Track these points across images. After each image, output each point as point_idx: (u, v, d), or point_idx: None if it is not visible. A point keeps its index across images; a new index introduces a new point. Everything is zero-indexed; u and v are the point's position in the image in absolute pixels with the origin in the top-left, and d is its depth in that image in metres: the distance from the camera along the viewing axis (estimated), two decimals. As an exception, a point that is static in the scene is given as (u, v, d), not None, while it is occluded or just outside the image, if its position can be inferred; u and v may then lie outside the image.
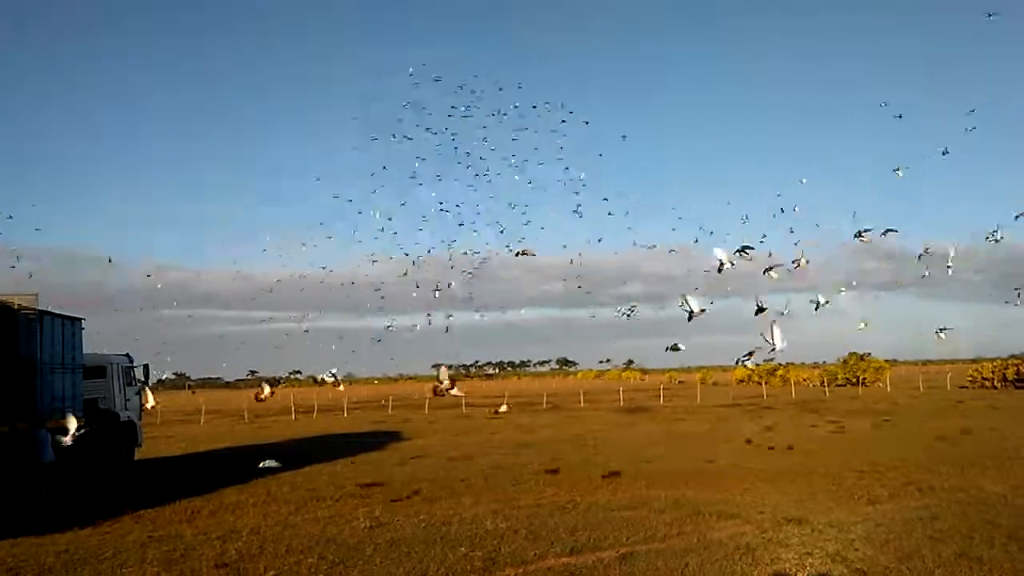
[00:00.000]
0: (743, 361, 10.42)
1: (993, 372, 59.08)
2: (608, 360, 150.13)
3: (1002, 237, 12.57)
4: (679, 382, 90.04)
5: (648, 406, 46.29)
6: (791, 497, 12.96)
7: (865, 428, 26.64)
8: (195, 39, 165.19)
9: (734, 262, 10.66)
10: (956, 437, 22.37)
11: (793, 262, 12.05)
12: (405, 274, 17.90)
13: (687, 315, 9.89)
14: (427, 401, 52.81)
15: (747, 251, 10.79)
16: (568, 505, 12.86)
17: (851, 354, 70.09)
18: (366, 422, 39.38)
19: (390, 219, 17.75)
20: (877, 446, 20.66)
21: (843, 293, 10.36)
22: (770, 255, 11.54)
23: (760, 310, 10.70)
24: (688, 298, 9.64)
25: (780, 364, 79.00)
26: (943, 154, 17.01)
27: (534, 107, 16.48)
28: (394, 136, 16.36)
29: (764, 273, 11.37)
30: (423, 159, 16.71)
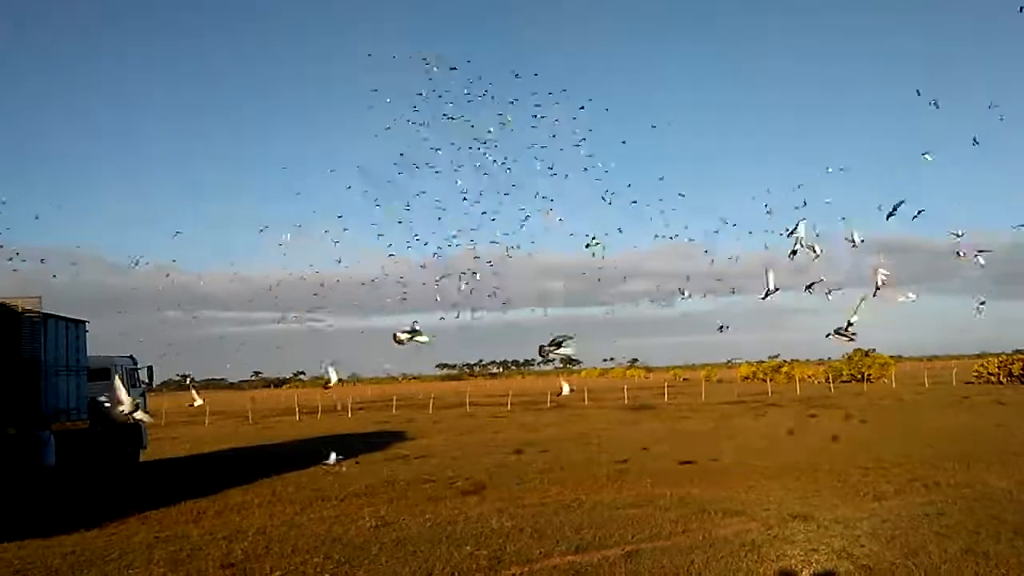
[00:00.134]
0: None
1: (999, 367, 58.91)
2: (612, 358, 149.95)
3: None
4: (683, 380, 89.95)
5: (653, 404, 46.27)
6: (796, 494, 12.95)
7: (869, 424, 26.59)
8: (195, 39, 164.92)
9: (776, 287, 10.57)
10: (961, 433, 22.33)
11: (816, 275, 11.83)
12: (423, 267, 17.61)
13: (764, 293, 9.76)
14: (431, 401, 52.85)
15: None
16: (573, 503, 12.85)
17: (856, 350, 69.93)
18: (370, 422, 39.41)
19: (408, 208, 17.30)
20: (882, 443, 20.61)
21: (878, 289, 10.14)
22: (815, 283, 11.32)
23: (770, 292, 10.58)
24: (770, 274, 9.51)
25: (784, 361, 78.94)
26: (974, 143, 16.81)
27: (550, 93, 16.18)
28: (409, 120, 16.06)
29: (806, 290, 11.26)
30: (437, 149, 16.39)
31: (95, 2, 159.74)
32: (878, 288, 10.06)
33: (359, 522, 11.79)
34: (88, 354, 18.72)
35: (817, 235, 11.01)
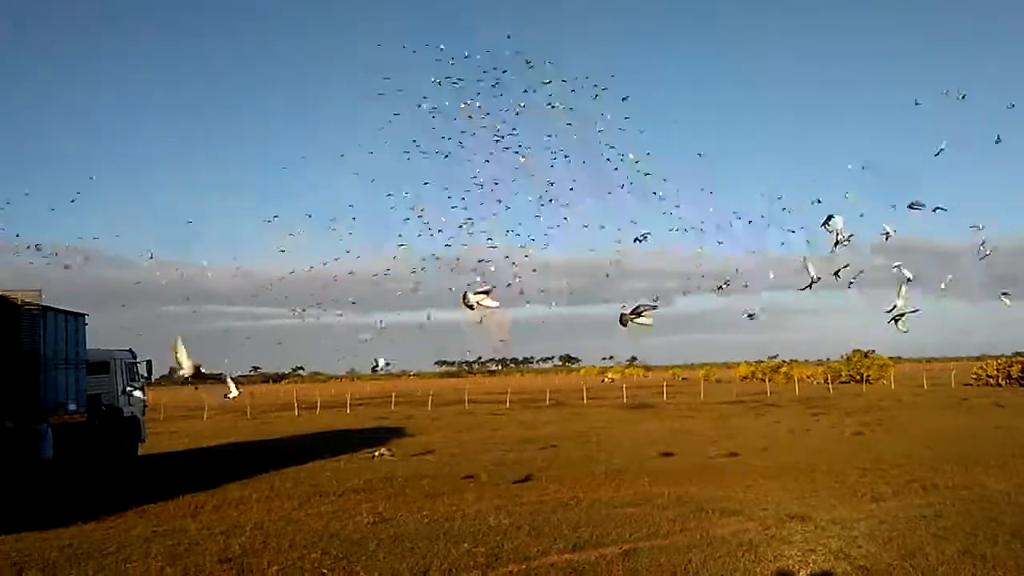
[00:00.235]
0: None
1: (998, 369, 58.93)
2: (611, 357, 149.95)
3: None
4: (682, 379, 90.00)
5: (651, 403, 46.30)
6: (794, 494, 12.95)
7: (867, 426, 26.61)
8: (195, 39, 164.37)
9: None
10: (960, 434, 22.34)
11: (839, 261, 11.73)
12: (438, 257, 17.33)
13: (809, 283, 9.70)
14: (430, 398, 52.87)
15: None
16: (571, 501, 12.85)
17: (855, 351, 70.01)
18: (369, 418, 39.45)
19: (423, 210, 16.99)
20: (880, 444, 20.63)
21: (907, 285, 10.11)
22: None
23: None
24: (809, 263, 9.46)
25: (784, 361, 78.97)
26: (996, 142, 16.64)
27: (564, 81, 15.87)
28: (420, 105, 15.77)
29: (835, 275, 11.20)
30: (448, 138, 16.09)
31: (95, 2, 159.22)
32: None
33: (357, 518, 11.79)
34: (88, 347, 18.72)
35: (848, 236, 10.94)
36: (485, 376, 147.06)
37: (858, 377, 66.30)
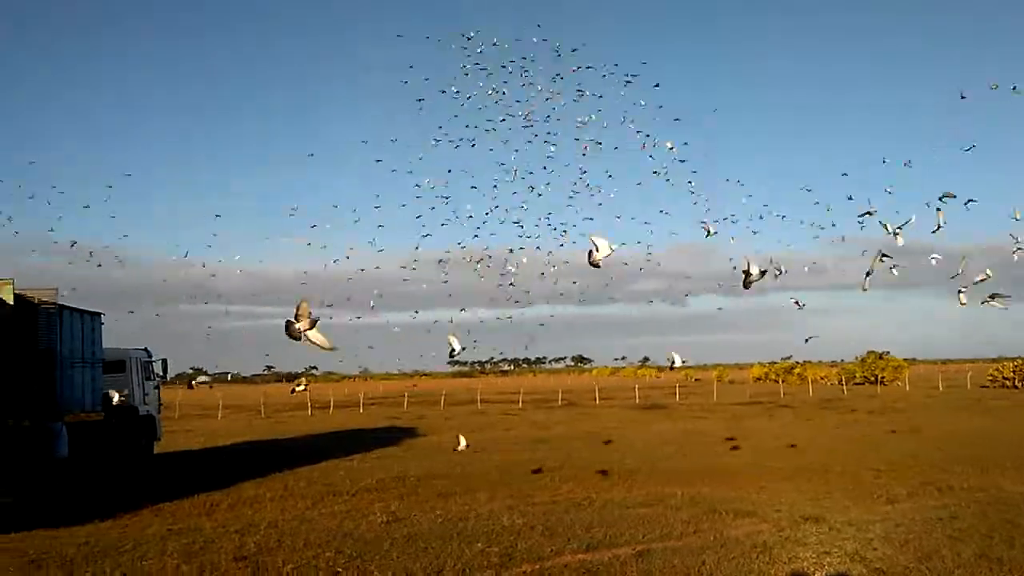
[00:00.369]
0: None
1: (1015, 371, 58.39)
2: (624, 357, 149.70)
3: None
4: (695, 380, 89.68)
5: (664, 403, 46.19)
6: (808, 495, 12.90)
7: (883, 427, 26.45)
8: (195, 39, 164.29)
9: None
10: (975, 436, 22.17)
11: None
12: (464, 247, 17.05)
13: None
14: (443, 398, 52.94)
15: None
16: (584, 501, 12.85)
17: (869, 352, 69.57)
18: (382, 418, 39.54)
19: (447, 195, 16.60)
20: (895, 445, 20.50)
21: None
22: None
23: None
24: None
25: (797, 362, 78.53)
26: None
27: (589, 67, 15.53)
28: (444, 91, 15.49)
29: (880, 258, 11.05)
30: (474, 127, 15.74)
31: (95, 2, 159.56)
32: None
33: (370, 517, 11.84)
34: (104, 346, 18.86)
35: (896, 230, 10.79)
36: (497, 376, 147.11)
37: (872, 378, 65.86)
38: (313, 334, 7.73)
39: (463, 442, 18.65)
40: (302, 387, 11.50)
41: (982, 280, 10.21)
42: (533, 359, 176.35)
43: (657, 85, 16.70)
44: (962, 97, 16.26)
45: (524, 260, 16.31)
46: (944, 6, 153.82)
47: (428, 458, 20.34)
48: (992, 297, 10.06)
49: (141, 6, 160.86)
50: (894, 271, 10.93)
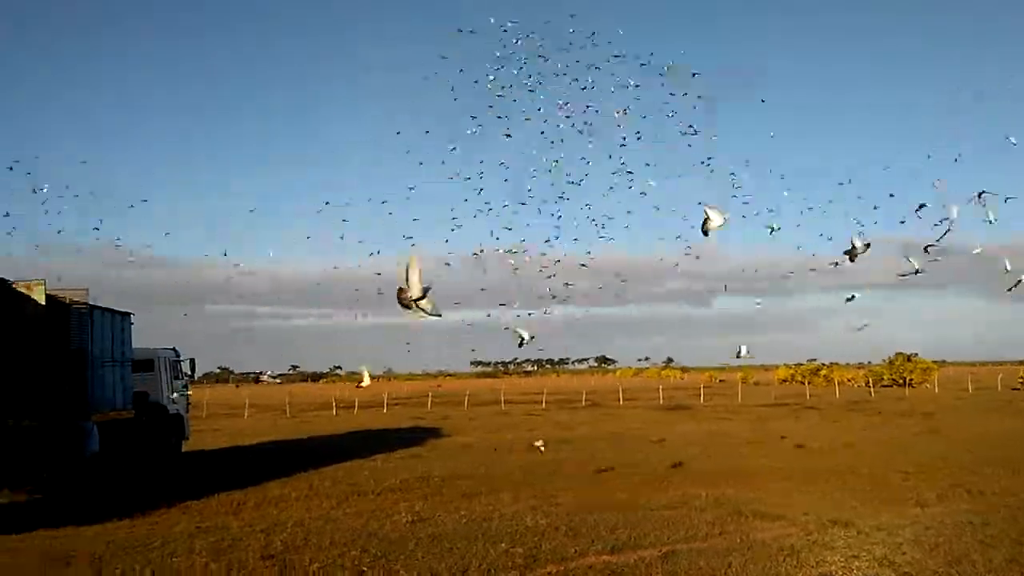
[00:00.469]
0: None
1: (1047, 373, 57.39)
2: (647, 358, 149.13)
3: None
4: (719, 381, 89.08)
5: (688, 404, 45.95)
6: (835, 498, 12.77)
7: (912, 430, 26.11)
8: (195, 39, 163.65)
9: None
10: (1006, 439, 21.81)
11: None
12: (497, 236, 16.69)
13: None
14: (466, 398, 53.03)
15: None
16: (607, 502, 12.82)
17: (898, 354, 68.68)
18: (406, 418, 39.70)
19: (481, 189, 16.30)
20: (923, 447, 20.23)
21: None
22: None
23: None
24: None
25: (823, 364, 77.76)
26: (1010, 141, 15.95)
27: (614, 55, 15.11)
28: (477, 82, 15.15)
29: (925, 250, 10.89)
30: (507, 116, 15.36)
31: (95, 2, 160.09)
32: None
33: (395, 517, 11.89)
34: (133, 346, 19.12)
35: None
36: (521, 377, 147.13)
37: (901, 381, 64.99)
38: (424, 303, 7.80)
39: (541, 446, 18.63)
40: (365, 382, 11.55)
41: None
42: (556, 360, 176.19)
43: (696, 74, 16.23)
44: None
45: (563, 255, 15.92)
46: (944, 6, 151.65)
47: (452, 458, 20.39)
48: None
49: (141, 6, 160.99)
50: (936, 260, 10.72)
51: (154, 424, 20.50)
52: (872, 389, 59.38)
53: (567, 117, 15.21)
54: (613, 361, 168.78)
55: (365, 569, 8.71)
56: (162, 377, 21.63)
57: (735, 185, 15.95)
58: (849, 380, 72.12)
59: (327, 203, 28.35)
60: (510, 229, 16.43)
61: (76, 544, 10.38)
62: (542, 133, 15.54)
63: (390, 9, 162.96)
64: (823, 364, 79.77)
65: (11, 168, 18.55)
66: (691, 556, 8.89)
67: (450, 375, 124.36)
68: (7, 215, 18.00)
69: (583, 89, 15.17)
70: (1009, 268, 10.50)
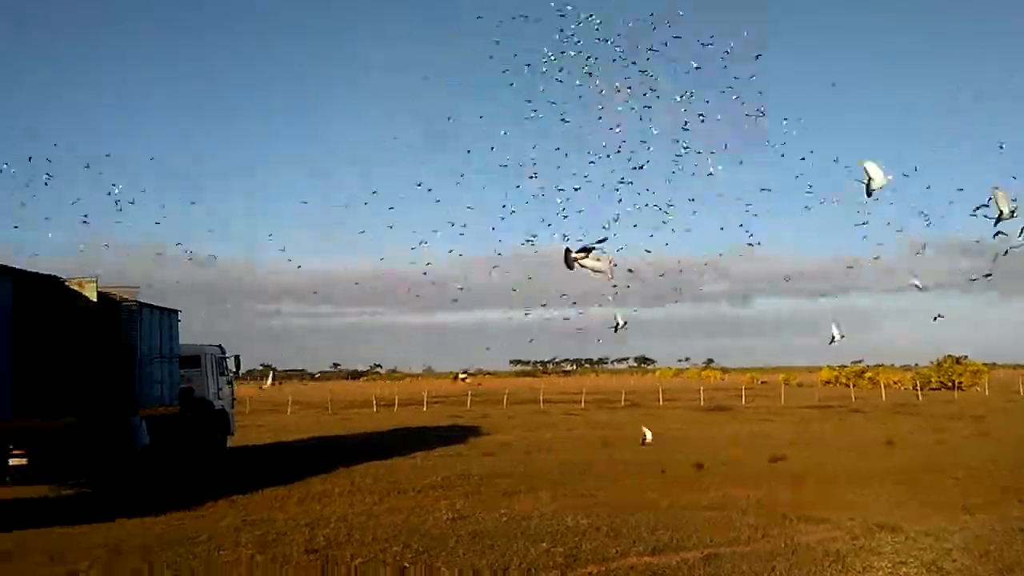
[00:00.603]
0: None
1: (1103, 377, 55.59)
2: (687, 359, 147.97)
3: None
4: (761, 382, 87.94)
5: (729, 405, 45.46)
6: (882, 502, 12.53)
7: (961, 433, 25.50)
8: (195, 39, 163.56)
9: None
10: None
11: None
12: (551, 226, 16.29)
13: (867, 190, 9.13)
14: (505, 397, 53.11)
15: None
16: (648, 503, 12.74)
17: (946, 357, 67.14)
18: (445, 416, 39.92)
19: (534, 174, 15.95)
20: (972, 451, 19.74)
21: None
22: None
23: None
24: (871, 169, 8.81)
25: (869, 366, 76.34)
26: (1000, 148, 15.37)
27: (677, 37, 14.67)
28: (529, 65, 14.80)
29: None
30: (566, 102, 15.03)
31: (95, 2, 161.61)
32: None
33: (435, 514, 11.96)
34: (180, 342, 19.53)
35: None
36: (560, 376, 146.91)
37: (949, 384, 63.48)
38: (588, 261, 7.88)
39: (648, 435, 18.44)
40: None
41: None
42: (595, 359, 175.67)
43: (759, 56, 15.73)
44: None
45: (620, 247, 15.47)
46: (944, 6, 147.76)
47: (491, 456, 20.46)
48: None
49: (141, 6, 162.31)
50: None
51: (200, 419, 20.89)
52: (920, 392, 58.09)
53: (626, 101, 14.78)
54: (653, 361, 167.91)
55: (407, 565, 8.78)
56: (208, 373, 22.03)
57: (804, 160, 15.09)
58: (895, 383, 70.69)
59: (374, 192, 28.29)
60: (566, 217, 16.14)
61: (127, 536, 10.64)
62: (599, 119, 15.19)
63: (390, 9, 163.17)
64: (868, 366, 78.38)
65: (87, 166, 18.99)
66: (734, 560, 8.80)
67: (489, 374, 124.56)
68: (85, 219, 18.35)
69: (642, 72, 14.69)
70: None
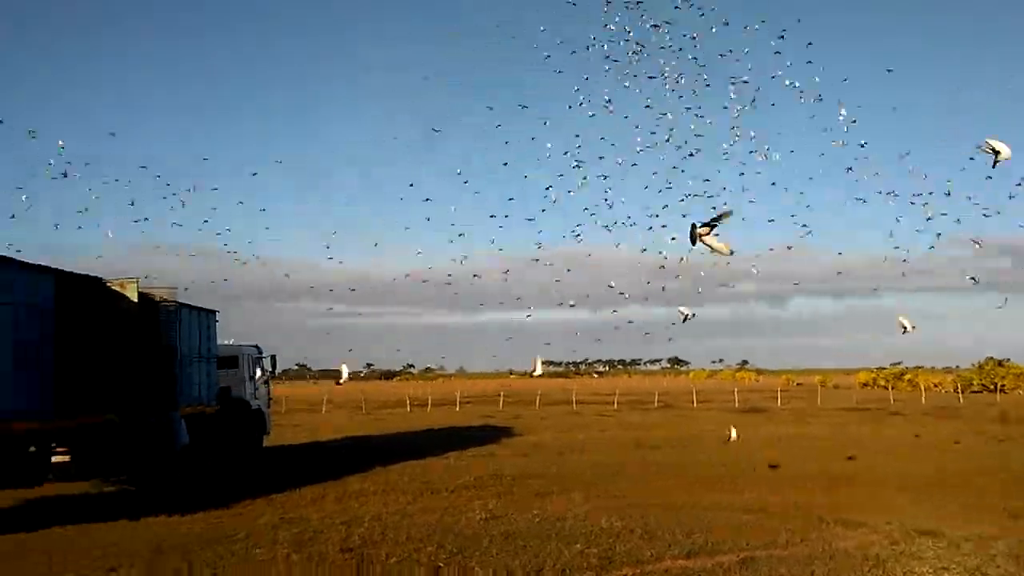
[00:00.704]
0: None
1: None
2: (721, 360, 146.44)
3: None
4: (797, 384, 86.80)
5: (764, 407, 44.94)
6: (922, 507, 12.30)
7: (1003, 436, 24.93)
8: (195, 39, 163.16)
9: None
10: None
11: None
12: (593, 215, 15.88)
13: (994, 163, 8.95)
14: (538, 398, 53.09)
15: None
16: (683, 505, 12.65)
17: (988, 359, 65.74)
18: (477, 416, 40.00)
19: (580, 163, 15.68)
20: (1016, 455, 19.30)
21: None
22: None
23: None
24: (995, 143, 8.72)
25: (908, 368, 75.01)
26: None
27: (725, 23, 14.32)
28: (574, 52, 14.57)
29: None
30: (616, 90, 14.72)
31: (95, 2, 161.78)
32: None
33: (469, 514, 11.98)
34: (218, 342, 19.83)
35: None
36: (592, 377, 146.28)
37: (991, 387, 62.12)
38: (709, 239, 7.96)
39: (733, 433, 18.31)
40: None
41: None
42: (628, 360, 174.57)
43: (810, 44, 15.22)
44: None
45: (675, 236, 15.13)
46: (944, 6, 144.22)
47: (523, 457, 20.46)
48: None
49: (141, 6, 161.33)
50: None
51: (237, 418, 21.17)
52: (961, 395, 56.94)
53: (674, 90, 14.48)
54: (686, 363, 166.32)
55: (441, 565, 8.81)
56: (245, 373, 22.32)
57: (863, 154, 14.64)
58: (936, 385, 69.39)
59: (411, 185, 28.20)
60: (610, 206, 15.88)
61: (167, 533, 10.82)
62: (647, 106, 14.91)
63: (390, 9, 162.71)
64: (907, 368, 77.03)
65: (144, 167, 19.27)
66: (771, 563, 8.69)
67: (521, 374, 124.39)
68: (146, 219, 18.65)
69: (692, 59, 14.38)
70: None
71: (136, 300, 14.98)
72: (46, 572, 8.87)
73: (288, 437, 27.53)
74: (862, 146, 14.58)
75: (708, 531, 10.39)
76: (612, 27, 14.32)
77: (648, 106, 14.88)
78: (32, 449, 12.79)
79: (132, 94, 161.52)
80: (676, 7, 14.18)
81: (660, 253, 15.61)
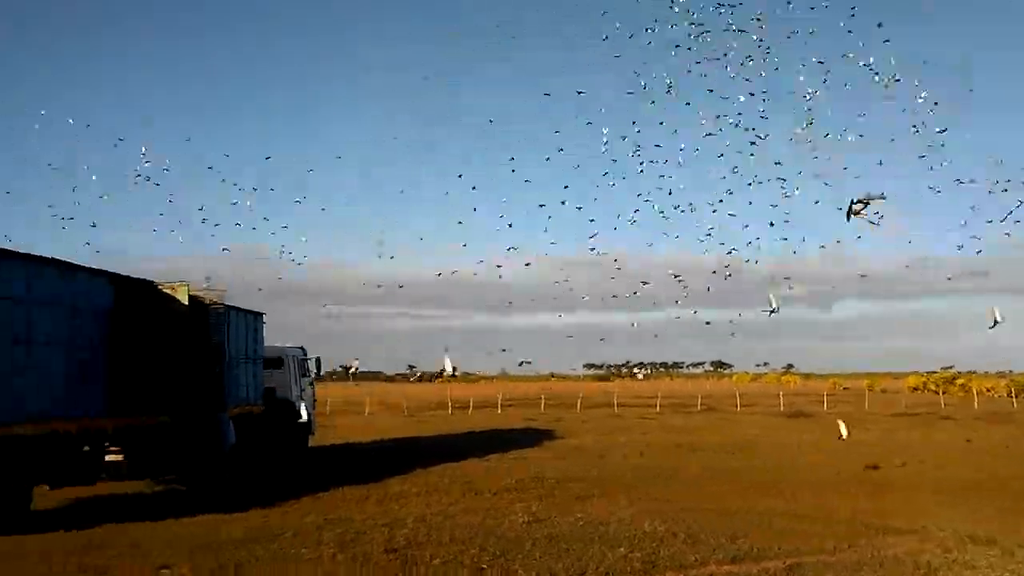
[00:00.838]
0: None
1: None
2: (766, 363, 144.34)
3: None
4: (844, 388, 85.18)
5: (810, 411, 44.20)
6: (976, 514, 12.00)
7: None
8: (195, 39, 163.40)
9: None
10: None
11: None
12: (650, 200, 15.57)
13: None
14: (579, 401, 52.93)
15: None
16: (726, 510, 12.51)
17: (1043, 362, 63.73)
18: (519, 419, 40.01)
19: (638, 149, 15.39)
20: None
21: None
22: None
23: None
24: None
25: (959, 372, 73.17)
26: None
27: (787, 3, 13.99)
28: (632, 36, 14.35)
29: None
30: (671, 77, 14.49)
31: (95, 2, 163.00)
32: None
33: (511, 517, 12.01)
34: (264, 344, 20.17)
35: None
36: (633, 380, 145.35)
37: (1048, 391, 60.24)
38: (863, 215, 8.13)
39: (844, 430, 18.09)
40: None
41: None
42: (671, 363, 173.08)
43: (880, 24, 14.32)
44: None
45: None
46: (944, 6, 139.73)
47: (565, 459, 20.43)
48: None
49: (141, 6, 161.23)
50: None
51: (282, 419, 21.49)
52: (1015, 400, 55.34)
53: (748, 95, 14.03)
54: (729, 366, 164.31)
55: (484, 567, 8.84)
56: (290, 374, 22.65)
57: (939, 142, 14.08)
58: (988, 390, 67.49)
59: (460, 175, 27.94)
60: (670, 194, 15.56)
61: (216, 531, 11.03)
62: (717, 117, 14.49)
63: (390, 9, 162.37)
64: (959, 372, 75.14)
65: (210, 167, 19.65)
66: (818, 570, 8.55)
67: (563, 377, 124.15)
68: (204, 220, 19.03)
69: (755, 39, 13.95)
70: None
71: (187, 303, 15.31)
72: (101, 568, 9.10)
73: (331, 438, 27.77)
74: (940, 132, 13.75)
75: (754, 536, 10.26)
76: (676, 8, 14.00)
77: (711, 90, 14.48)
78: (86, 448, 13.16)
79: (132, 94, 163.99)
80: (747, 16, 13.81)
81: (730, 251, 15.20)
